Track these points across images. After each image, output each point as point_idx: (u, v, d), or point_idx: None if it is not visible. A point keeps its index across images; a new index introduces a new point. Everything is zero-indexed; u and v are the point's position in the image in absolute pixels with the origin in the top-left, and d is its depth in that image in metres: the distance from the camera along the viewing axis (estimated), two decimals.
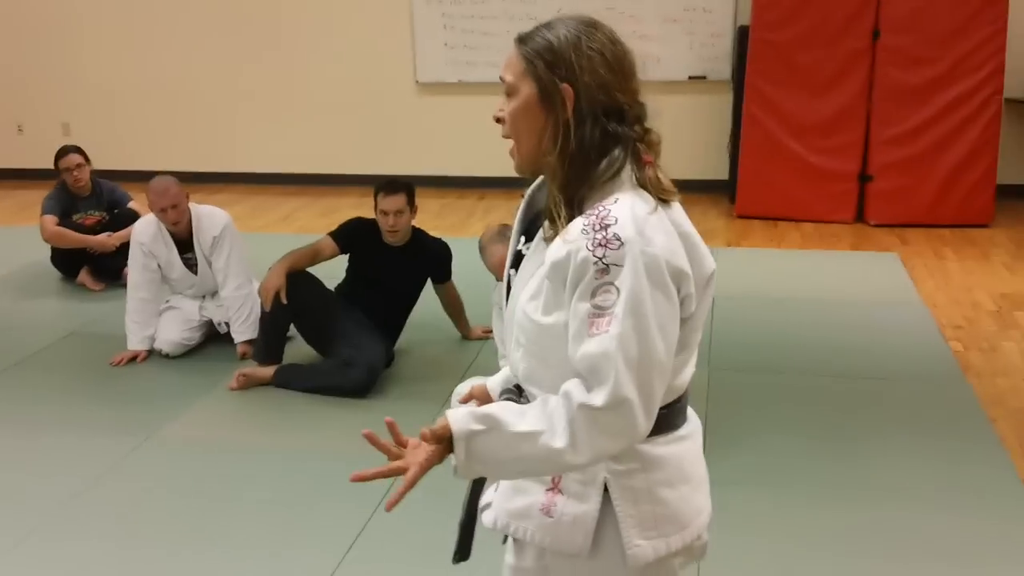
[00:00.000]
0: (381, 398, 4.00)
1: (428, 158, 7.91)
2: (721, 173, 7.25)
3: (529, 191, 1.65)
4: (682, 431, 1.58)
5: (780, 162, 6.76)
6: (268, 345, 4.18)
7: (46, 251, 5.69)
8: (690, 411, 1.61)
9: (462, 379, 4.11)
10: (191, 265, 4.46)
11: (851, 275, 5.60)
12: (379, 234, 4.21)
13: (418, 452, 1.44)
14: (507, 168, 1.56)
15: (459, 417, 1.43)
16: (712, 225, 6.63)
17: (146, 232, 4.39)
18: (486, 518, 1.64)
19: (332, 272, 4.30)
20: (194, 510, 3.18)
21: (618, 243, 1.36)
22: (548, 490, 1.54)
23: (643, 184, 1.45)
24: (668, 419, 1.53)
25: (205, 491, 3.30)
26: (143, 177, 5.95)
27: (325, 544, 2.95)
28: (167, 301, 4.56)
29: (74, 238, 5.43)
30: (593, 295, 1.37)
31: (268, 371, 4.12)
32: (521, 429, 1.40)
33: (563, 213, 1.46)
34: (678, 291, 1.41)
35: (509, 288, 1.59)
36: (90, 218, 5.58)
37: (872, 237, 6.41)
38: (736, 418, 3.71)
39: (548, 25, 1.50)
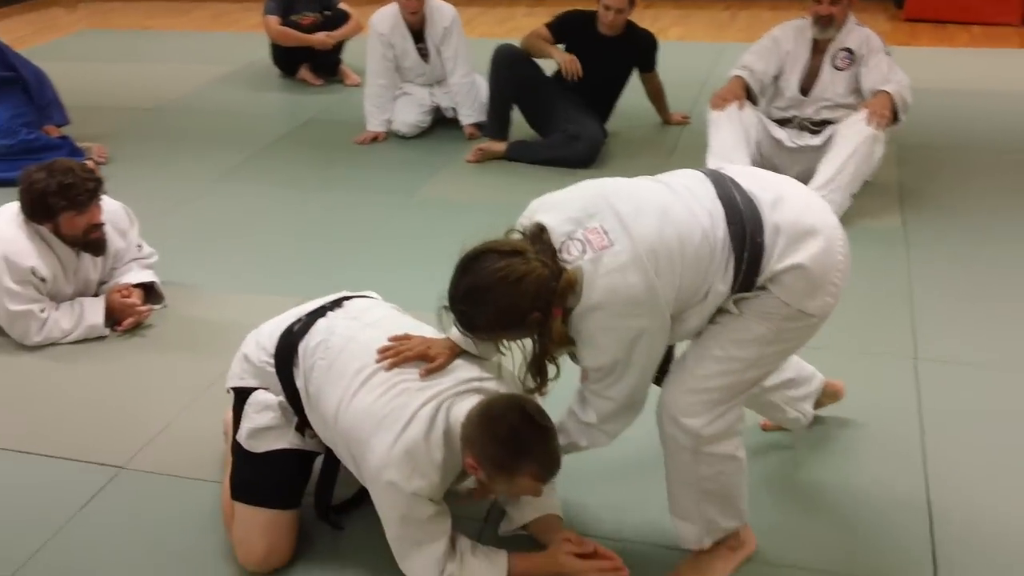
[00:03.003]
0: (601, 169, 4.57)
1: None
2: None
3: None
4: None
5: None
6: (500, 120, 4.76)
7: (263, 51, 6.32)
8: None
9: (670, 155, 4.67)
10: (423, 54, 5.02)
11: (1022, 71, 5.86)
12: (594, 24, 4.67)
13: None
14: None
15: None
16: (880, 29, 6.85)
17: (385, 23, 4.94)
18: None
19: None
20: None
21: None
22: None
23: None
24: None
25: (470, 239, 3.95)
26: None
27: None
28: (400, 88, 5.14)
29: (297, 36, 6.00)
30: None
31: (501, 146, 4.72)
32: None
33: None
34: None
35: None
36: (306, 18, 6.09)
37: None
38: (929, 181, 4.27)
39: None
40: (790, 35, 4.11)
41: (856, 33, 4.02)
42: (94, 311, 3.15)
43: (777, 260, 1.85)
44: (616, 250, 1.79)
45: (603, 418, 1.97)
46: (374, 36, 4.98)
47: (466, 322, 1.88)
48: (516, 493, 2.00)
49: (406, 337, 2.07)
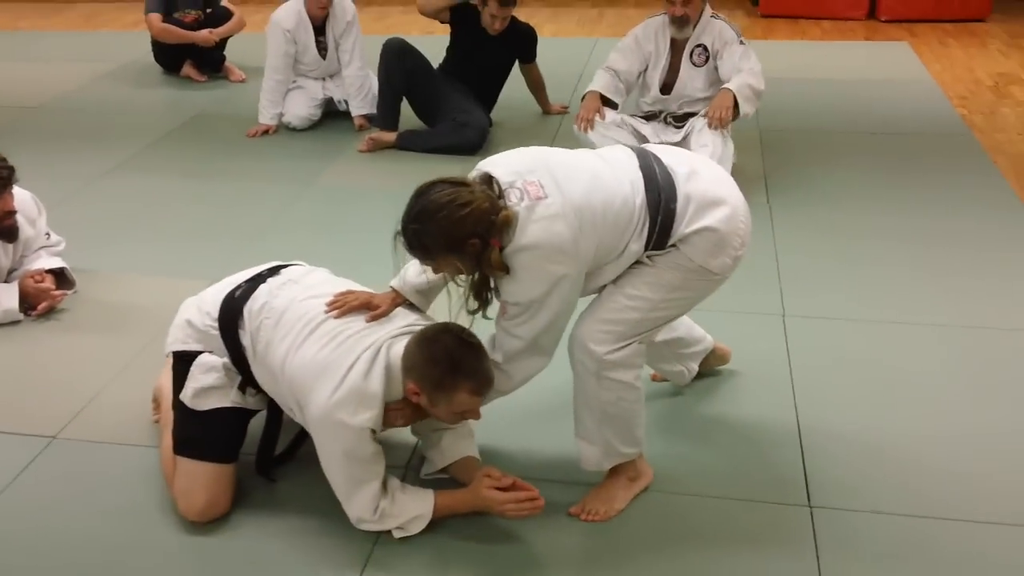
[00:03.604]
0: (488, 155, 4.78)
1: None
2: None
3: None
4: None
5: None
6: (390, 111, 4.95)
7: (144, 49, 6.33)
8: None
9: (552, 141, 4.95)
10: (322, 49, 5.17)
11: (869, 61, 6.41)
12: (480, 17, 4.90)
13: None
14: None
15: None
16: (738, 24, 7.33)
17: (290, 19, 5.05)
18: None
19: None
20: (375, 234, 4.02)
21: None
22: None
23: None
24: None
25: (371, 222, 4.13)
26: None
27: None
28: (293, 81, 5.25)
29: (180, 34, 6.02)
30: None
31: (392, 136, 4.91)
32: None
33: None
34: None
35: None
36: (188, 15, 6.09)
37: (883, 31, 7.18)
38: (789, 161, 4.66)
39: None
40: (651, 35, 4.29)
41: (710, 28, 4.24)
42: (8, 296, 3.21)
43: (687, 225, 2.15)
44: (548, 202, 2.05)
45: (507, 357, 2.20)
46: (277, 31, 5.07)
47: (415, 242, 2.10)
48: (457, 412, 2.18)
49: (350, 292, 2.27)
